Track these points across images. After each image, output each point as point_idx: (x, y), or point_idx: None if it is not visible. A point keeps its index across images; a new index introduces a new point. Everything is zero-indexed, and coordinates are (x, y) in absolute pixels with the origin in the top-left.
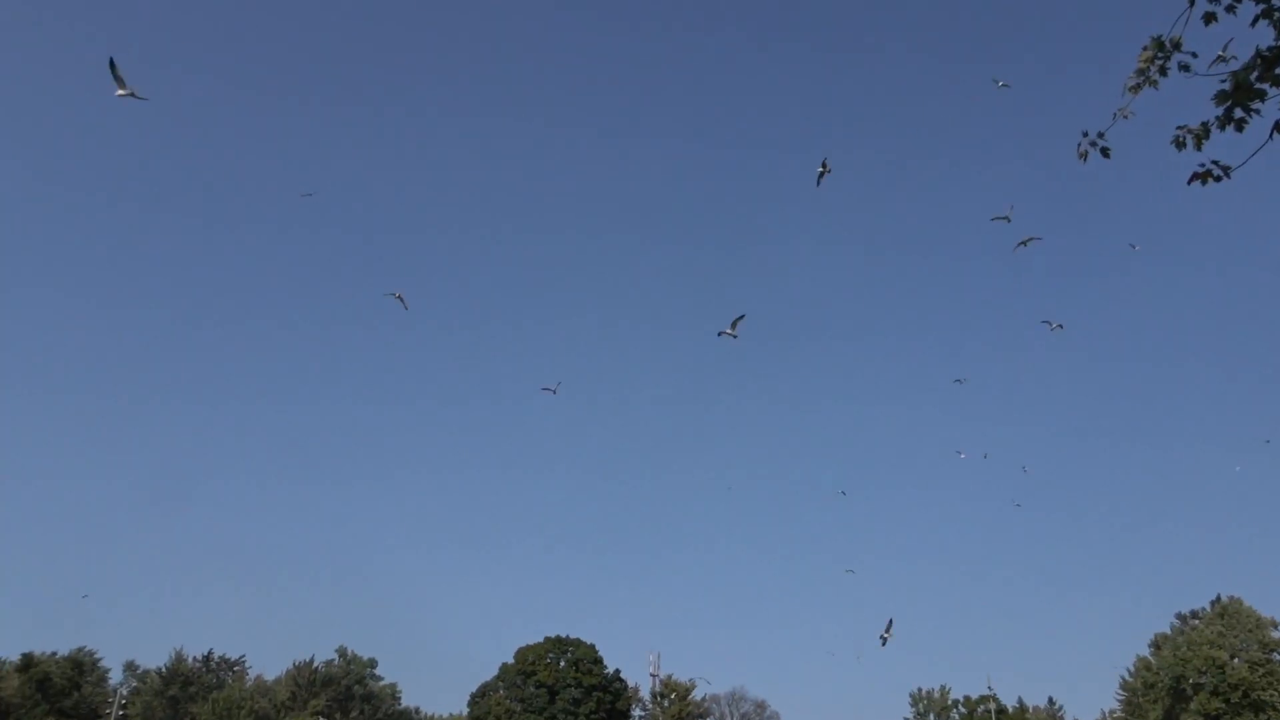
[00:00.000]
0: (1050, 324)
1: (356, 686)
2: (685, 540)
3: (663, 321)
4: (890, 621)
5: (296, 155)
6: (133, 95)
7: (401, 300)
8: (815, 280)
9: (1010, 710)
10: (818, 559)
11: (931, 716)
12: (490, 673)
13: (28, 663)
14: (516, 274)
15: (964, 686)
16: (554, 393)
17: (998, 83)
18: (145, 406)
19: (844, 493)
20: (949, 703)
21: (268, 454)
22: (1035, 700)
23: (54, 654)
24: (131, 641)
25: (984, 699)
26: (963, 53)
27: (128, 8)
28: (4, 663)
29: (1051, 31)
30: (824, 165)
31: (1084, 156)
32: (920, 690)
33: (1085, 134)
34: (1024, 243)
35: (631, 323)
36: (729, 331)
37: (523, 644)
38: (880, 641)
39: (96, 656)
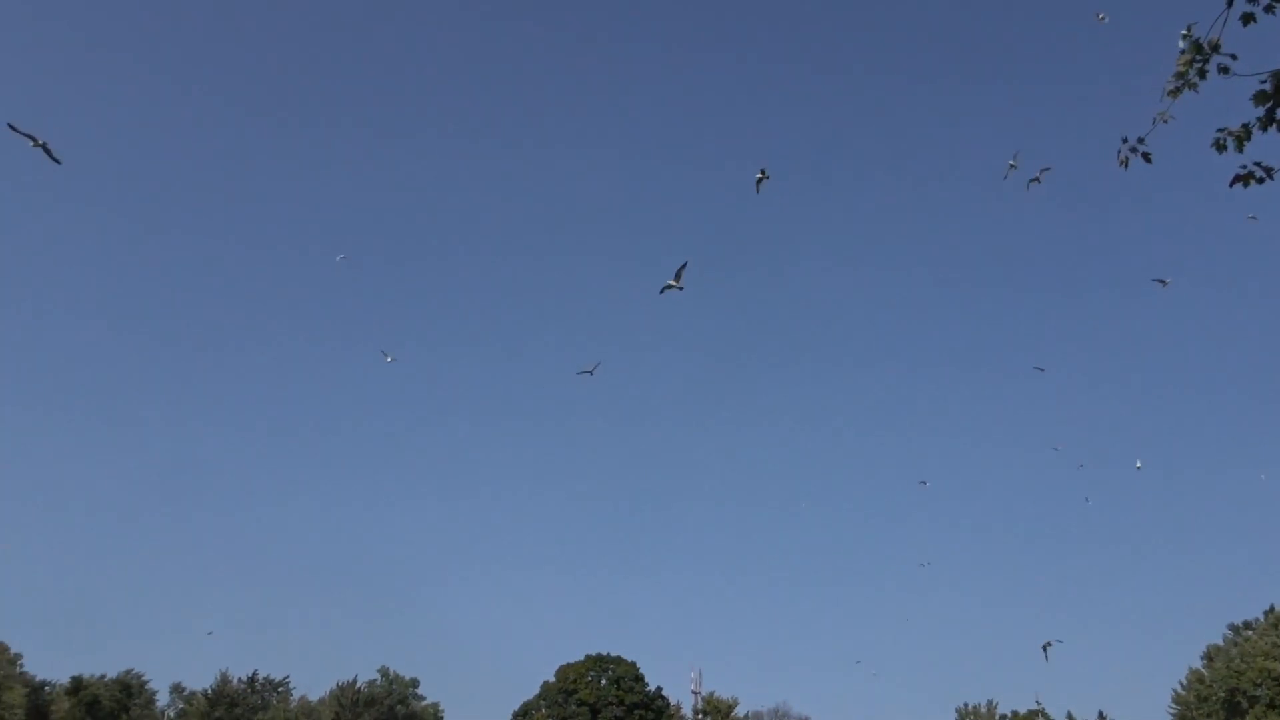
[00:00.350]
0: (1162, 281)
1: (399, 706)
2: (726, 555)
3: (696, 330)
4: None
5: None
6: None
7: (386, 355)
8: (844, 293)
9: None
10: (861, 570)
11: None
12: (531, 691)
13: (77, 685)
14: (544, 288)
15: (1011, 701)
16: (591, 374)
17: (1100, 16)
18: (182, 427)
19: (925, 483)
20: (996, 718)
21: (307, 475)
22: (1085, 714)
23: (102, 676)
24: (175, 663)
25: (1032, 714)
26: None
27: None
28: (54, 686)
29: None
30: (763, 172)
31: (1125, 163)
32: (966, 706)
33: (1125, 140)
34: (1036, 178)
35: (664, 335)
36: (674, 284)
37: (564, 662)
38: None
39: (144, 679)
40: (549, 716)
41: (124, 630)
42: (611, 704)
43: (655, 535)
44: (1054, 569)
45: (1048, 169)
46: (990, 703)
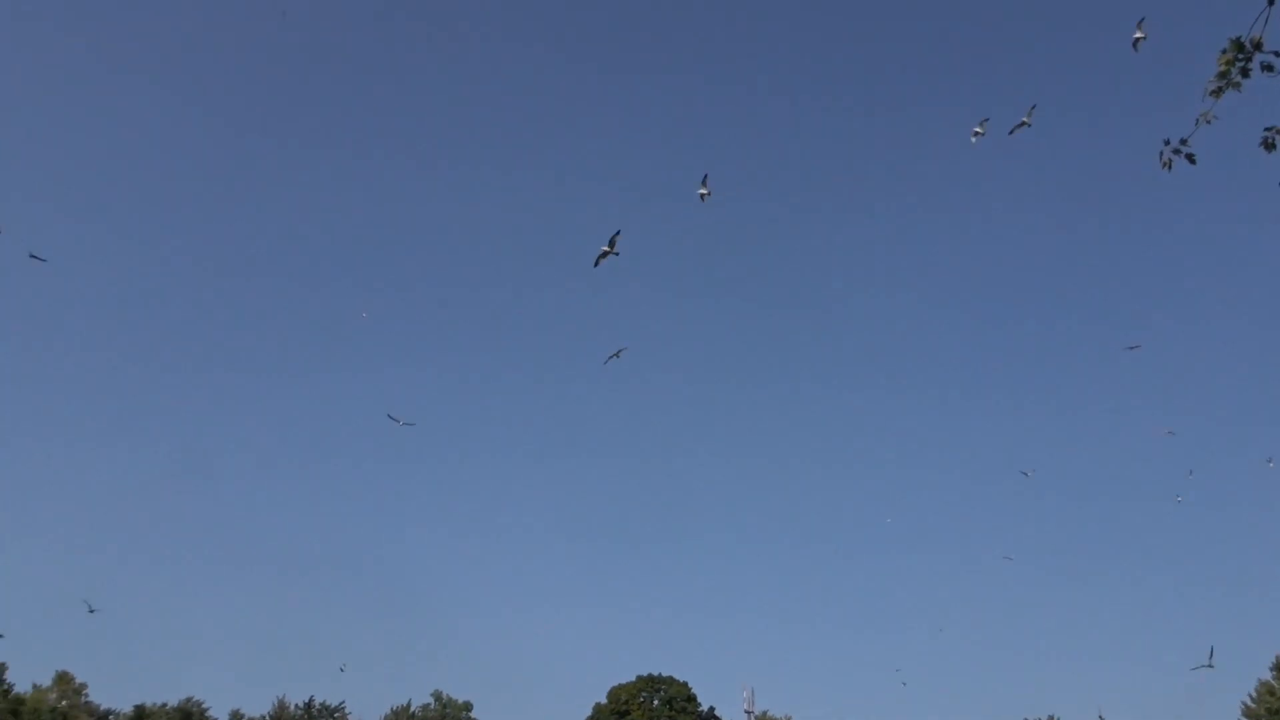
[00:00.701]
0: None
1: None
2: (773, 572)
3: (721, 347)
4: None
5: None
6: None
7: (395, 419)
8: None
9: None
10: (915, 584)
11: None
12: (584, 713)
13: (140, 714)
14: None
15: (1073, 716)
16: (617, 357)
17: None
18: (240, 452)
19: (1028, 473)
20: None
21: (357, 503)
22: None
23: (164, 705)
24: (232, 688)
25: None
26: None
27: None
28: (118, 714)
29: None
30: (705, 185)
31: (1168, 165)
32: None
33: (1167, 142)
34: (1023, 122)
35: (691, 352)
36: (608, 250)
37: (615, 683)
38: None
39: (204, 706)
40: None
41: (182, 658)
42: None
43: (701, 554)
44: (1115, 576)
45: (1034, 106)
46: (1052, 718)
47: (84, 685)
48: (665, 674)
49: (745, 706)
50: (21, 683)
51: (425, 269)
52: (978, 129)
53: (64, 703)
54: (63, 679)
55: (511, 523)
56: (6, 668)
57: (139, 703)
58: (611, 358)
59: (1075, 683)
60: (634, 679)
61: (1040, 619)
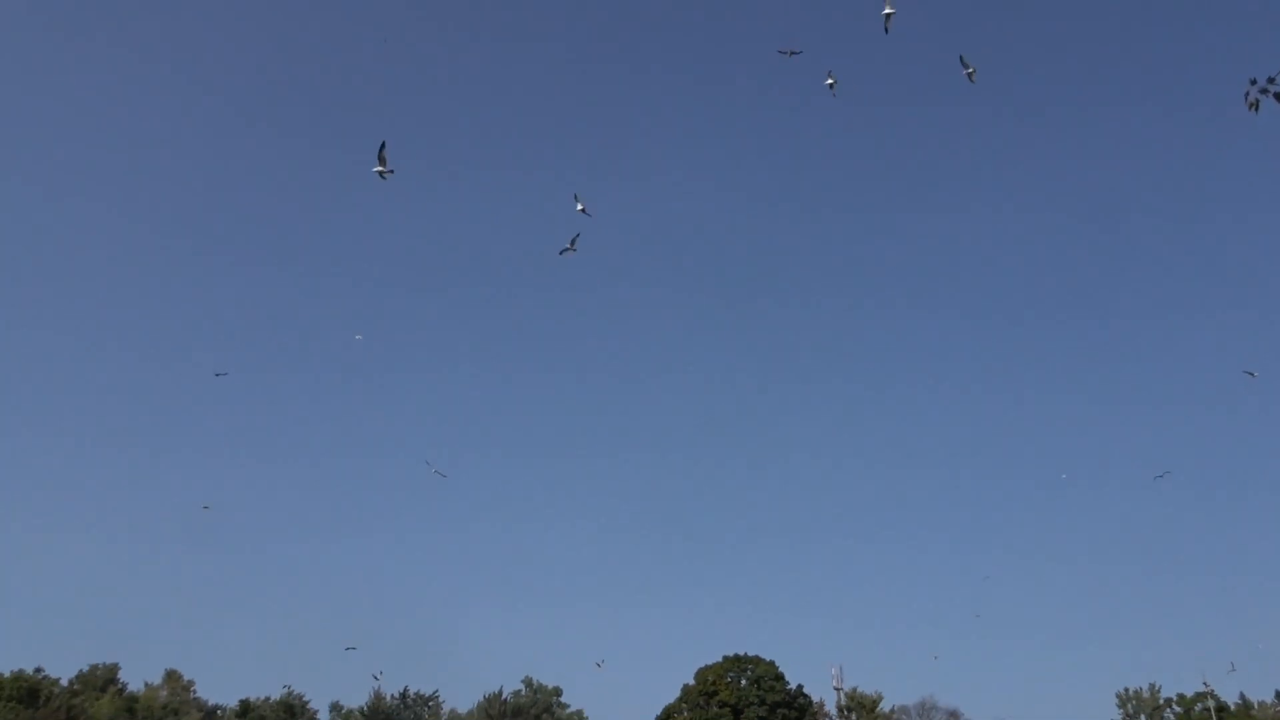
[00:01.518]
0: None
1: (544, 715)
2: (861, 548)
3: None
4: None
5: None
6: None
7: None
8: None
9: (1232, 708)
10: (1007, 554)
11: (1143, 717)
12: (672, 695)
13: (245, 708)
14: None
15: (1175, 684)
16: (572, 248)
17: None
18: (343, 457)
19: (1253, 373)
20: (1160, 702)
21: (453, 490)
22: (1260, 695)
23: (267, 698)
24: (331, 682)
25: (1200, 696)
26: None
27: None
28: (224, 709)
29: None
30: (578, 203)
31: (1254, 106)
32: (1127, 690)
33: (1254, 81)
34: (968, 71)
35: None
36: (569, 248)
37: (701, 664)
38: None
39: (305, 699)
40: (692, 719)
41: (283, 653)
42: (753, 704)
43: (786, 533)
44: (1222, 540)
45: (970, 69)
46: (1153, 686)
47: (191, 682)
48: (751, 654)
49: (834, 684)
50: (134, 682)
51: (444, 271)
52: (829, 80)
53: (174, 699)
54: (172, 677)
55: (595, 515)
56: (119, 668)
57: (244, 697)
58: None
59: (1177, 651)
60: (720, 659)
61: (1142, 585)
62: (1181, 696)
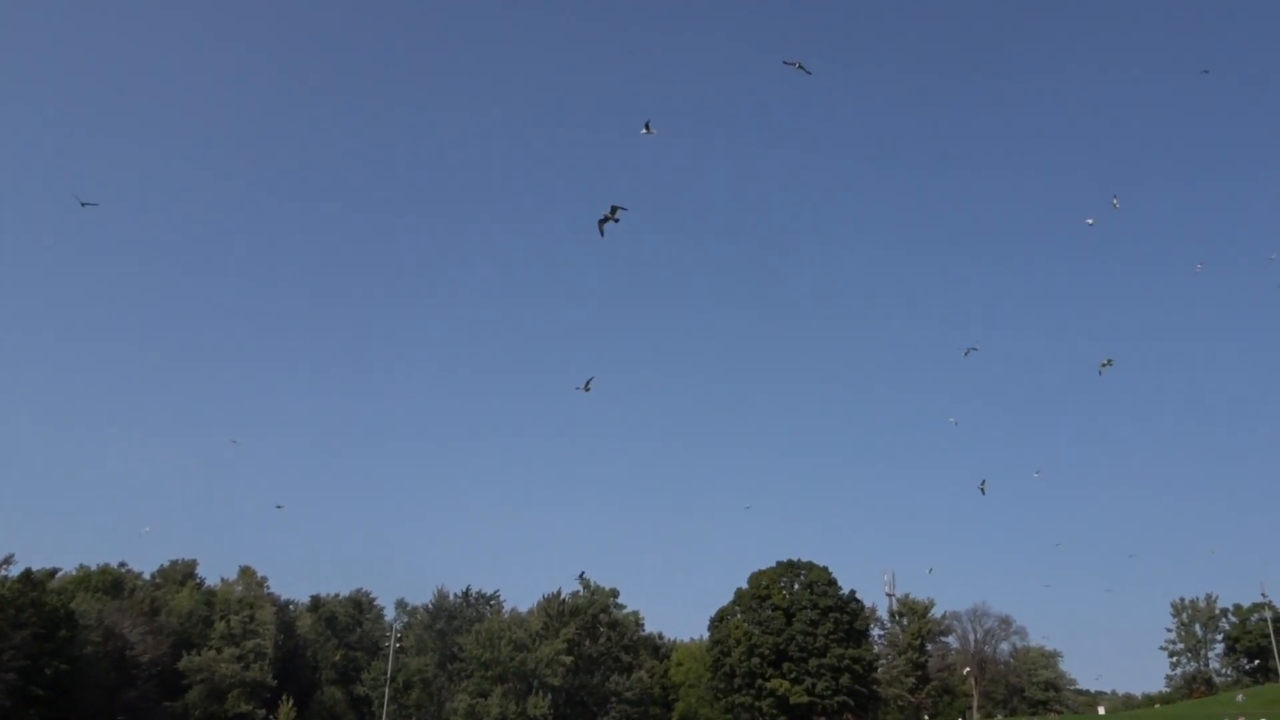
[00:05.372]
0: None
1: (601, 615)
2: (913, 457)
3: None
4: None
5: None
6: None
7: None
8: None
9: None
10: (1059, 466)
11: (1198, 627)
12: (726, 598)
13: (316, 604)
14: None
15: (1232, 595)
16: (586, 390)
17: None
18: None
19: None
20: (1216, 612)
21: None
22: None
23: (336, 595)
24: (399, 580)
25: (1257, 607)
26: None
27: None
28: (297, 604)
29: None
30: (612, 211)
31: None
32: (1182, 600)
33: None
34: (797, 65)
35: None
36: (610, 217)
37: (755, 569)
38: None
39: (372, 596)
40: (745, 621)
41: (351, 556)
42: (805, 608)
43: (839, 439)
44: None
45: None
46: (1209, 596)
47: (265, 579)
48: (805, 559)
49: (886, 590)
50: (211, 577)
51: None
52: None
53: (249, 593)
54: (246, 573)
55: (657, 426)
56: (197, 563)
57: (314, 594)
58: (580, 389)
59: (1232, 564)
60: (774, 565)
61: (1201, 497)
62: (1238, 607)
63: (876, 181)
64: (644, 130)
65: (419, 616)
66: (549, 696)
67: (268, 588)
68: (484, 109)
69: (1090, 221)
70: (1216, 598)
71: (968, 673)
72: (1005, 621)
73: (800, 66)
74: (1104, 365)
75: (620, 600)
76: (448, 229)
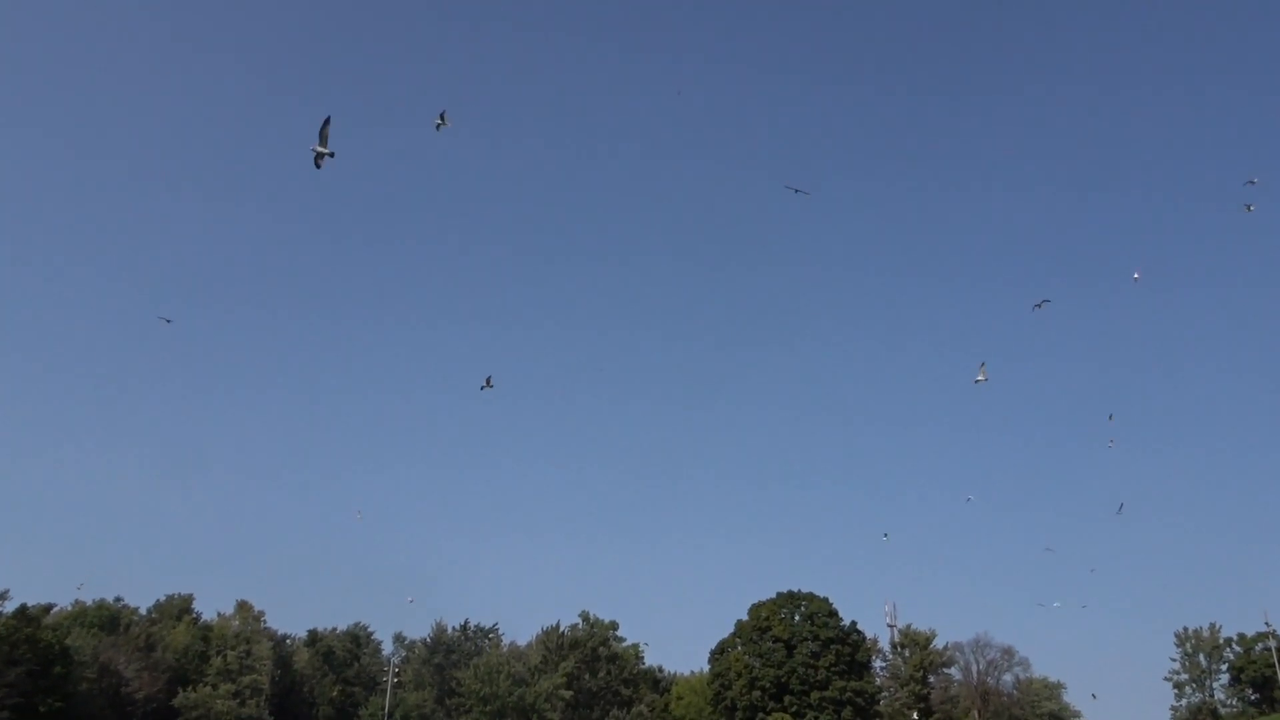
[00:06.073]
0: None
1: (601, 648)
2: (912, 489)
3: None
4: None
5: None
6: (327, 153)
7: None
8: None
9: None
10: (1057, 496)
11: (1201, 657)
12: (726, 630)
13: (314, 638)
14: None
15: (1236, 624)
16: (488, 386)
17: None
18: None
19: None
20: (1220, 641)
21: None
22: None
23: (334, 629)
24: (397, 615)
25: (1261, 636)
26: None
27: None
28: (294, 639)
29: None
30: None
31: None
32: (1186, 630)
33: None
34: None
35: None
36: (486, 385)
37: (755, 600)
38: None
39: (370, 630)
40: (746, 654)
41: (350, 588)
42: (806, 639)
43: (840, 471)
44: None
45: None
46: (1213, 625)
47: (262, 613)
48: (805, 590)
49: (888, 620)
50: (208, 611)
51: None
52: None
53: (246, 628)
54: (243, 607)
55: (652, 456)
56: (194, 598)
57: (312, 628)
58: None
59: (1236, 592)
60: (774, 596)
61: (1207, 524)
62: (1242, 636)
63: (880, 198)
64: (439, 122)
65: (417, 651)
66: None
67: (265, 622)
68: (491, 127)
69: (1136, 276)
70: (1220, 627)
71: (972, 707)
72: (1008, 652)
73: (799, 190)
74: (1039, 305)
75: (620, 633)
76: (442, 251)
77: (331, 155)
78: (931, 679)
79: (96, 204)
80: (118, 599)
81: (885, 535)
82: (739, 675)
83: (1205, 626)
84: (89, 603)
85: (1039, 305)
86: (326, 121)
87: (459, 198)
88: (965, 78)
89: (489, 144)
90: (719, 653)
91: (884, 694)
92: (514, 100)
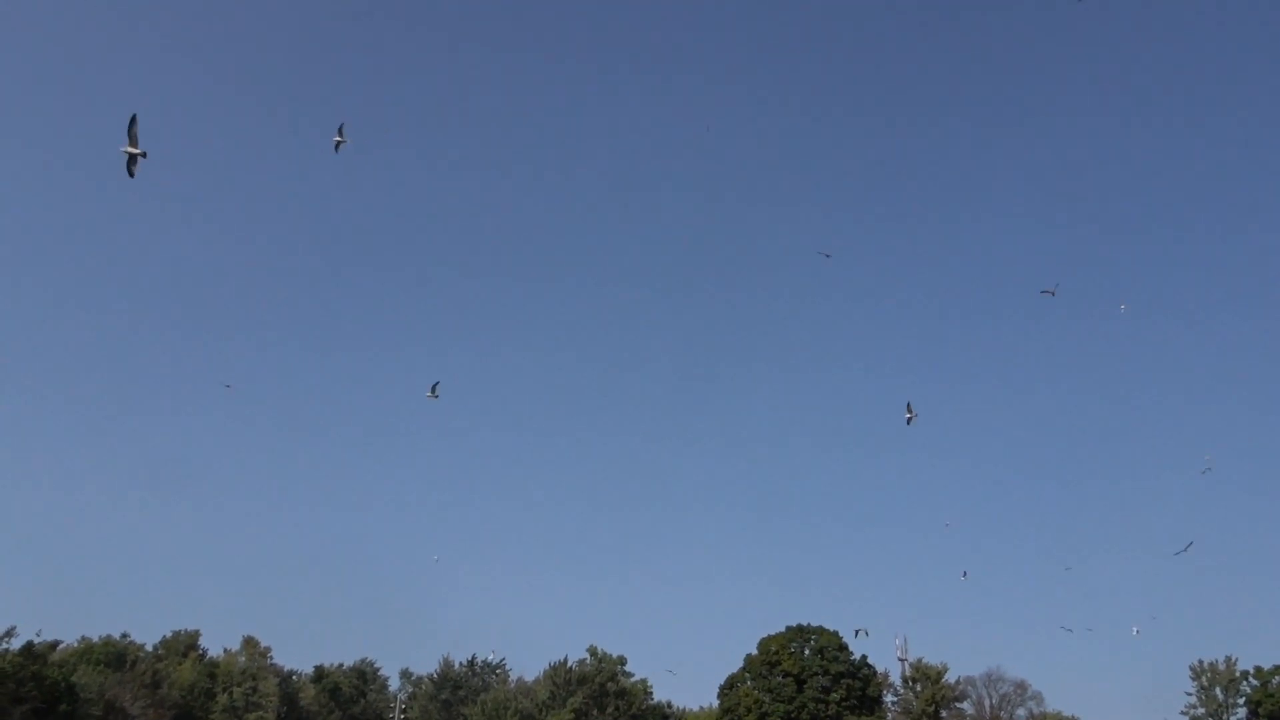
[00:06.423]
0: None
1: (609, 684)
2: (921, 520)
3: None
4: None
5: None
6: (138, 154)
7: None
8: None
9: None
10: (1077, 527)
11: (1218, 691)
12: (735, 665)
13: (320, 674)
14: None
15: (1253, 657)
16: (435, 395)
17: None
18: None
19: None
20: (1237, 674)
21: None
22: None
23: (340, 665)
24: (404, 649)
25: (1278, 669)
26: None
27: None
28: (300, 675)
29: None
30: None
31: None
32: (1201, 663)
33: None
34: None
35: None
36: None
37: (765, 634)
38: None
39: (376, 666)
40: (755, 689)
41: (356, 622)
42: (816, 674)
43: (847, 504)
44: None
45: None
46: (1229, 659)
47: (268, 649)
48: (814, 624)
49: (899, 654)
50: (214, 648)
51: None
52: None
53: (252, 664)
54: (249, 643)
55: (663, 491)
56: (200, 634)
57: (318, 663)
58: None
59: (1255, 625)
60: (783, 629)
61: (1222, 558)
62: (1259, 669)
63: (887, 230)
64: (338, 139)
65: (424, 686)
66: None
67: (271, 658)
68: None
69: (1123, 307)
70: (1237, 660)
71: None
72: (1021, 686)
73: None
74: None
75: (628, 668)
76: (451, 278)
77: (144, 155)
78: (944, 714)
79: (104, 228)
80: (124, 635)
81: (964, 574)
82: (749, 710)
83: (1221, 659)
84: (95, 639)
85: (1046, 292)
86: (133, 120)
87: (458, 222)
88: (951, 103)
89: (484, 163)
90: (728, 687)
91: None
92: (497, 121)
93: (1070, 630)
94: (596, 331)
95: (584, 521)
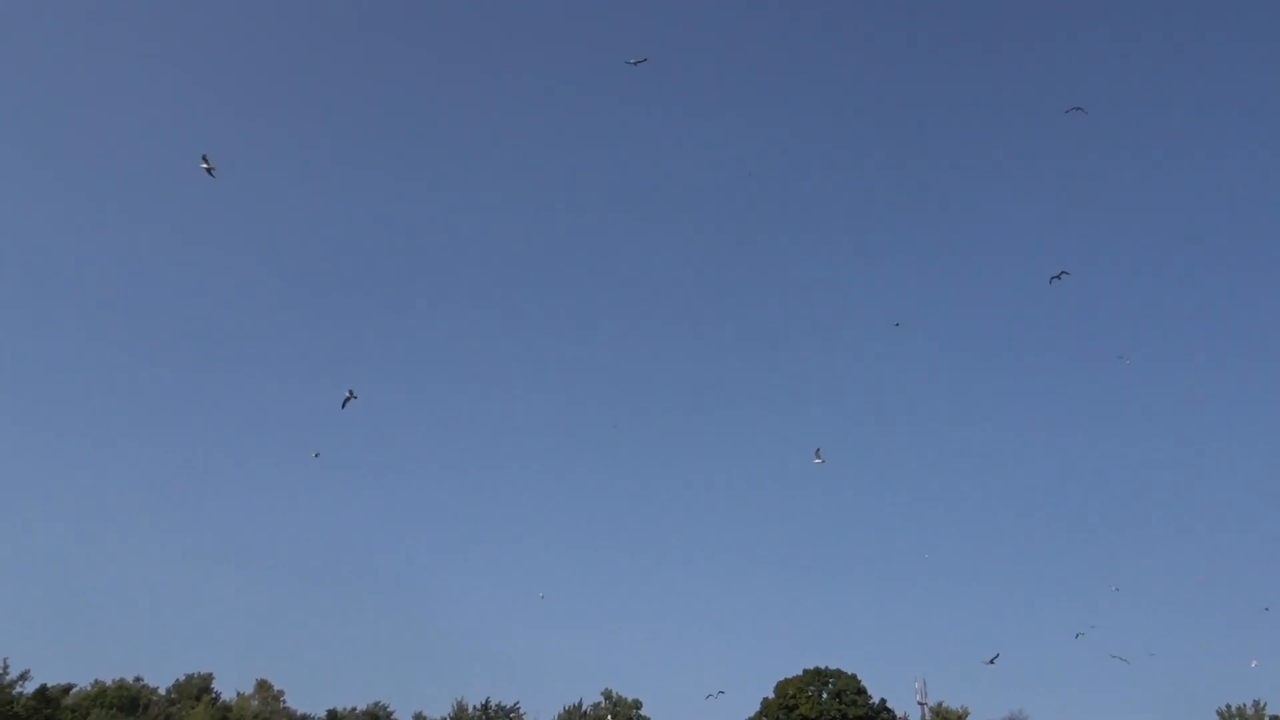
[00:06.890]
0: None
1: None
2: (943, 560)
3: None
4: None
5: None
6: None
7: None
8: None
9: None
10: (1097, 563)
11: None
12: (752, 709)
13: (333, 717)
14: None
15: None
16: (354, 397)
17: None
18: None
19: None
20: (1266, 718)
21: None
22: None
23: (353, 709)
24: (413, 691)
25: None
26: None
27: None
28: (312, 718)
29: None
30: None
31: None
32: (1229, 707)
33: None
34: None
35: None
36: (350, 396)
37: (782, 677)
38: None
39: (390, 710)
40: None
41: (368, 664)
42: (835, 718)
43: (867, 542)
44: None
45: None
46: (1258, 703)
47: (281, 691)
48: (832, 667)
49: (918, 698)
50: (227, 691)
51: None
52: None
53: (265, 708)
54: (263, 686)
55: (678, 529)
56: (213, 677)
57: (331, 707)
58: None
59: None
60: (800, 673)
61: (1238, 598)
62: None
63: (899, 273)
64: (205, 165)
65: None
66: None
67: (284, 701)
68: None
69: (1126, 360)
70: (1265, 704)
71: None
72: None
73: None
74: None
75: (644, 711)
76: (452, 326)
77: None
78: None
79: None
80: (137, 679)
81: (1079, 634)
82: None
83: (1250, 704)
84: (108, 683)
85: (1057, 277)
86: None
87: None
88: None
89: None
90: None
91: None
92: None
93: (1126, 660)
94: (618, 367)
95: (599, 562)
